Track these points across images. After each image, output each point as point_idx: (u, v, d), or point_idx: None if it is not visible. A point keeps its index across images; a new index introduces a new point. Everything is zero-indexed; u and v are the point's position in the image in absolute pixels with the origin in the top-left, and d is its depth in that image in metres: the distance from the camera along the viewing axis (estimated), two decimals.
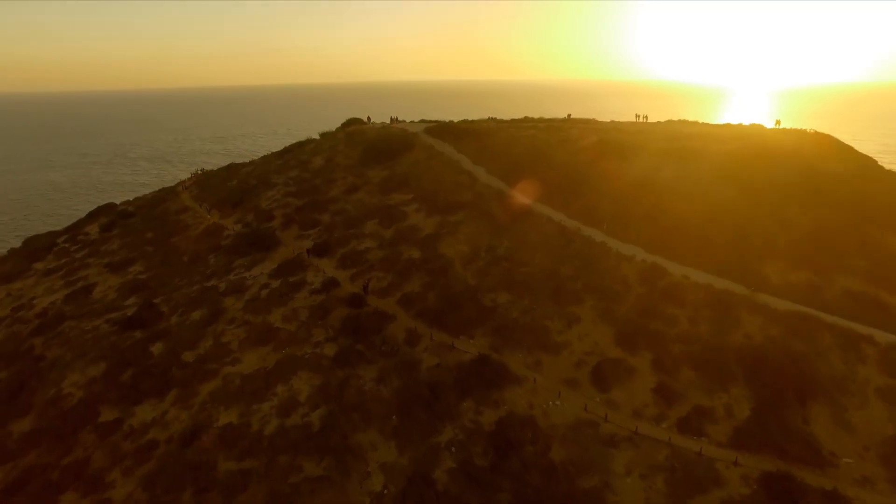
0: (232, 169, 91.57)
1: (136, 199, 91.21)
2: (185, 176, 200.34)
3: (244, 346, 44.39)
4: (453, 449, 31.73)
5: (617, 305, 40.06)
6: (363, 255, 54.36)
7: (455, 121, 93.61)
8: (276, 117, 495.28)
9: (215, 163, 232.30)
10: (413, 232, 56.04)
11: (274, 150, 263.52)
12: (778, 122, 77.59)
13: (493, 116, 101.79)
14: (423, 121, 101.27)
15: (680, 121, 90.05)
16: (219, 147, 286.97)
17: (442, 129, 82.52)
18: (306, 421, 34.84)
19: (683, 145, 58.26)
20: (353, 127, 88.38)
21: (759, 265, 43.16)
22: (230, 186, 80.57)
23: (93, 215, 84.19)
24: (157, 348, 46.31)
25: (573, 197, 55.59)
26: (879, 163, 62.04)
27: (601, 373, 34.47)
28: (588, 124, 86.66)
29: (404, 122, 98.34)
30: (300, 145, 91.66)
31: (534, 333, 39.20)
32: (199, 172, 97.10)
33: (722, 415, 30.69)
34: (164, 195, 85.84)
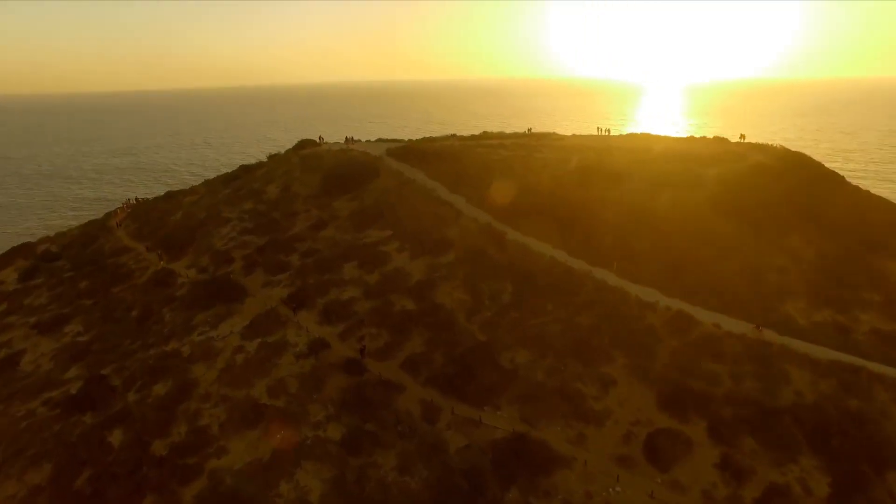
0: (172, 199, 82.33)
1: (59, 235, 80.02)
2: (94, 195, 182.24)
3: (227, 431, 38.04)
4: None
5: (650, 362, 37.37)
6: (348, 307, 48.88)
7: (406, 138, 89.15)
8: (189, 125, 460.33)
9: (130, 180, 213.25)
10: (401, 277, 51.16)
11: (195, 163, 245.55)
12: (742, 136, 78.92)
13: (455, 133, 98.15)
14: (379, 140, 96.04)
15: (643, 134, 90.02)
16: (129, 161, 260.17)
17: (407, 152, 77.76)
18: None
19: (672, 170, 56.97)
20: (307, 150, 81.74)
21: (779, 304, 42.07)
22: (174, 221, 72.01)
23: (6, 259, 72.79)
24: (116, 437, 39.06)
25: (570, 231, 52.75)
26: None
27: (655, 447, 31.51)
28: (555, 141, 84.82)
29: (360, 141, 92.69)
30: (248, 170, 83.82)
31: (568, 400, 35.69)
32: (133, 202, 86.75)
33: (800, 492, 28.48)
34: (95, 231, 75.75)
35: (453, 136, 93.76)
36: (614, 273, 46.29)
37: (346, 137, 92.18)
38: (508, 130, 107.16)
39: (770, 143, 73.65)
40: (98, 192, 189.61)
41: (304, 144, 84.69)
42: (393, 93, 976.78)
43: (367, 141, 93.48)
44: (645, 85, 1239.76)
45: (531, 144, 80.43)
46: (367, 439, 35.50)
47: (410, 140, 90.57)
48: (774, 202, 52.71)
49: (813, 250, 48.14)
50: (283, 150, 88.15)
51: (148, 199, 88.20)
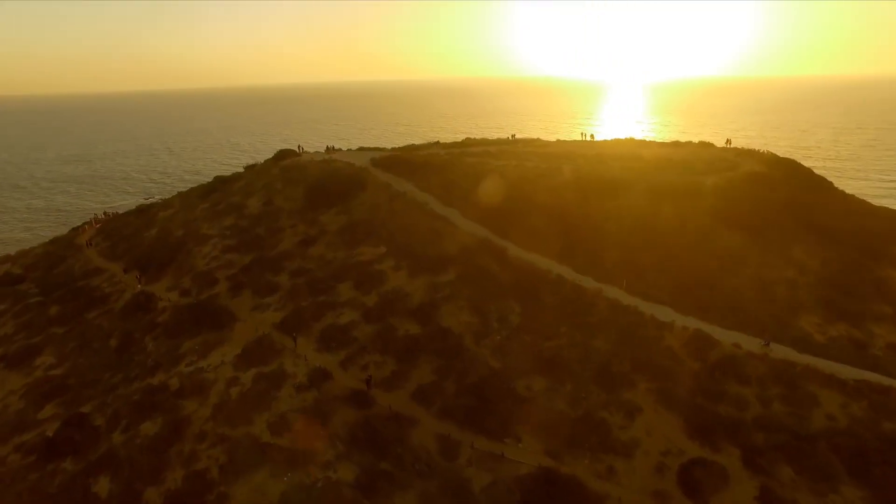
0: (145, 213, 77.83)
1: (21, 254, 74.65)
2: (47, 206, 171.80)
3: (229, 475, 35.19)
4: None
5: (674, 386, 36.22)
6: (348, 332, 46.39)
7: (377, 140, 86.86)
8: (147, 130, 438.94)
9: (86, 189, 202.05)
10: (401, 298, 48.96)
11: (157, 171, 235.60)
12: (729, 141, 79.42)
13: (438, 140, 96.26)
14: (361, 148, 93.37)
15: (628, 140, 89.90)
16: (84, 170, 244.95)
17: (393, 162, 75.44)
18: None
19: (670, 181, 56.34)
20: (287, 160, 78.47)
21: (794, 319, 41.62)
22: (149, 238, 67.96)
23: None
24: (103, 486, 35.83)
25: (573, 246, 51.47)
26: None
27: (691, 479, 30.26)
28: (542, 147, 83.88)
29: (341, 150, 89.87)
30: (225, 182, 79.99)
31: (593, 430, 34.17)
32: (102, 217, 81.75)
33: None
34: (62, 250, 70.94)
35: (436, 143, 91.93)
36: (624, 290, 45.19)
37: (327, 147, 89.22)
38: (476, 130, 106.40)
39: (735, 140, 74.40)
40: (51, 203, 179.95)
41: (283, 155, 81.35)
42: (357, 94, 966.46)
43: (348, 150, 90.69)
44: (608, 83, 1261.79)
45: (519, 152, 79.21)
46: (383, 480, 33.27)
47: (394, 149, 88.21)
48: (775, 212, 52.62)
49: (817, 261, 48.10)
50: (251, 157, 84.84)
51: (118, 213, 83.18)
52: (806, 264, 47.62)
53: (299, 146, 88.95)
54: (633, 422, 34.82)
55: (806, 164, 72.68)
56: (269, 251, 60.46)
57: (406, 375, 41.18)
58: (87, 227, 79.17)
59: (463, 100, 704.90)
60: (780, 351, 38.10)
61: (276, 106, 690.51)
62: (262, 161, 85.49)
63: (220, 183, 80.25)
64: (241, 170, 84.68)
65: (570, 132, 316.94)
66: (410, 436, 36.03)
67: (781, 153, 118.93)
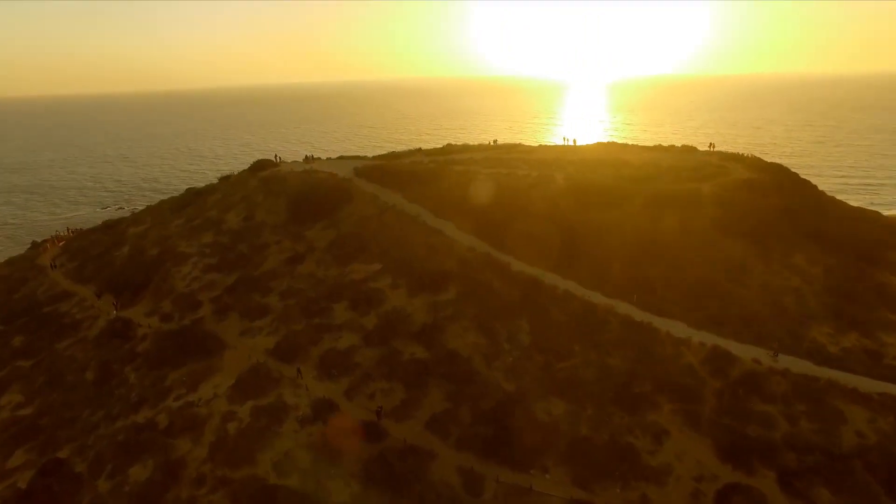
0: (113, 230, 73.02)
1: None
2: None
3: None
4: None
5: (699, 406, 35.27)
6: (349, 358, 43.92)
7: (345, 144, 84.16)
8: (99, 135, 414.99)
9: (33, 200, 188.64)
10: (402, 319, 46.73)
11: (112, 179, 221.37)
12: (712, 145, 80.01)
13: (420, 147, 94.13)
14: (341, 157, 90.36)
15: (609, 143, 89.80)
16: (27, 180, 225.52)
17: (377, 172, 72.99)
18: None
19: (667, 190, 55.90)
20: (266, 172, 74.96)
21: (805, 330, 41.39)
22: (121, 258, 63.63)
23: None
24: None
25: (575, 258, 50.30)
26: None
27: None
28: (526, 154, 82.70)
29: (320, 159, 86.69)
30: (199, 195, 75.92)
31: (621, 457, 32.86)
32: (67, 234, 76.29)
33: None
34: (22, 272, 65.73)
35: (418, 150, 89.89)
36: (635, 305, 44.22)
37: (306, 156, 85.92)
38: (442, 131, 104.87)
39: (695, 138, 74.91)
40: None
41: (261, 165, 77.72)
42: (316, 96, 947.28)
43: (328, 159, 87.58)
44: (568, 83, 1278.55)
45: (504, 158, 77.84)
46: None
47: (376, 157, 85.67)
48: (773, 219, 52.78)
49: (819, 268, 48.31)
50: (211, 163, 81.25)
51: (82, 229, 77.87)
52: (809, 272, 47.77)
53: (276, 156, 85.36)
54: (661, 446, 33.69)
55: (767, 161, 74.09)
56: (254, 270, 57.35)
57: (417, 403, 39.08)
58: (48, 245, 73.73)
59: (424, 100, 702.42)
60: (799, 365, 37.69)
61: (234, 109, 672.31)
62: (231, 170, 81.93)
63: (194, 196, 76.14)
64: (211, 179, 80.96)
65: (535, 132, 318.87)
66: (429, 470, 33.98)
67: (739, 151, 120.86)
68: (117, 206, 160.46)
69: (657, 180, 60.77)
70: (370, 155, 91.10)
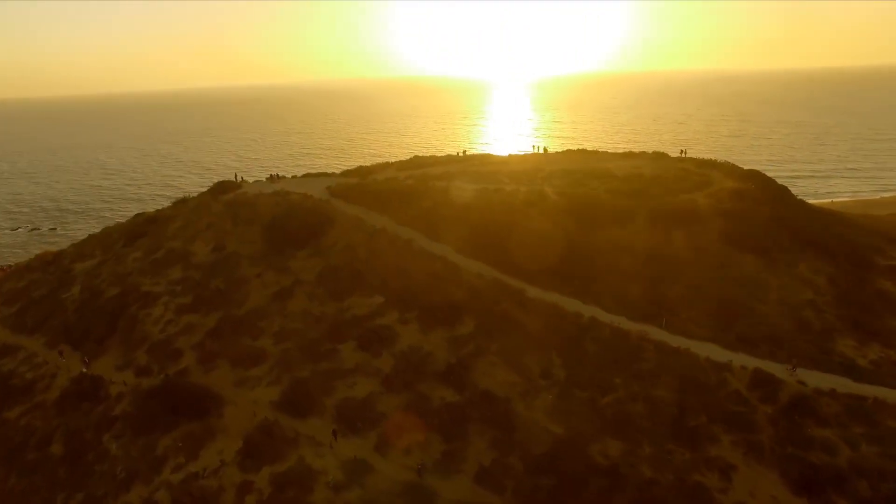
0: (55, 266, 64.02)
1: None
2: None
3: None
4: None
5: (757, 436, 34.06)
6: (370, 407, 39.78)
7: (285, 154, 78.98)
8: None
9: None
10: (423, 359, 43.01)
11: (11, 201, 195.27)
12: (683, 151, 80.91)
13: (389, 161, 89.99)
14: (307, 175, 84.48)
15: (580, 151, 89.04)
16: None
17: (355, 192, 68.25)
18: None
19: (665, 205, 55.26)
20: (230, 195, 68.37)
21: (831, 344, 41.45)
22: (72, 300, 55.60)
23: None
24: None
25: (590, 281, 48.58)
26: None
27: None
28: (502, 165, 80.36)
29: (285, 177, 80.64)
30: (154, 223, 68.05)
31: (692, 498, 31.09)
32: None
33: None
34: None
35: (387, 164, 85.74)
36: (665, 329, 42.88)
37: (270, 175, 79.61)
38: (376, 134, 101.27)
39: (624, 135, 75.80)
40: None
41: (223, 187, 70.84)
42: (234, 100, 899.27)
43: (293, 177, 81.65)
44: (492, 81, 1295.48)
45: (483, 171, 74.92)
46: None
47: (345, 173, 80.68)
48: (772, 230, 53.35)
49: (823, 278, 49.07)
50: (129, 178, 73.52)
51: (12, 266, 67.99)
52: (816, 283, 48.41)
53: (236, 175, 78.51)
54: (730, 482, 32.18)
55: (694, 156, 76.40)
56: (237, 309, 51.71)
57: (460, 455, 35.75)
58: None
59: (348, 102, 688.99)
60: (840, 383, 37.48)
61: (146, 116, 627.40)
62: (152, 183, 74.31)
63: (148, 223, 68.30)
64: (131, 195, 73.83)
65: (469, 132, 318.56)
66: None
67: (667, 147, 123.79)
68: (29, 226, 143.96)
69: (649, 193, 60.10)
70: (317, 164, 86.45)
